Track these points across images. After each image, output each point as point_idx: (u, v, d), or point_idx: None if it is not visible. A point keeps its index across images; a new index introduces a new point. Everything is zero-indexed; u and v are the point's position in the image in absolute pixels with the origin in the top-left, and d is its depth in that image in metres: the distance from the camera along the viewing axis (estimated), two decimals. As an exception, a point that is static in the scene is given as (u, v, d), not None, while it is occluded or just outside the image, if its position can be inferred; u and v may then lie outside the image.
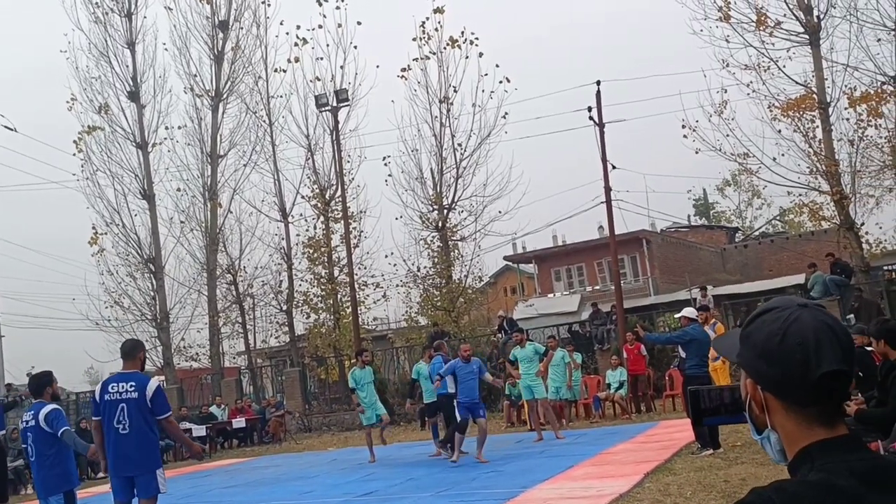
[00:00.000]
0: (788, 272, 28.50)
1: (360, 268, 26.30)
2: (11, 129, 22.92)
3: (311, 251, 27.33)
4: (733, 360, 1.34)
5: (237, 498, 11.02)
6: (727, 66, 20.17)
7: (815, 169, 19.88)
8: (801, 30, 19.94)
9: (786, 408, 1.25)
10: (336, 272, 27.06)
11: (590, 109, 22.37)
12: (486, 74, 25.69)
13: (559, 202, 77.51)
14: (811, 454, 1.22)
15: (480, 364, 12.13)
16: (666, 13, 72.96)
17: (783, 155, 20.06)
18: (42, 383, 6.92)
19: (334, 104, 25.15)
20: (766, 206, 50.07)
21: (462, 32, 25.84)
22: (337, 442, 19.20)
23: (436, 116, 26.13)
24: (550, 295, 34.19)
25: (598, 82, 22.23)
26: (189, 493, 11.71)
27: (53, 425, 6.59)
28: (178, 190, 28.13)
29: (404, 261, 26.18)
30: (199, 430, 19.53)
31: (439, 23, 25.93)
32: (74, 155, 27.19)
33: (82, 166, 27.04)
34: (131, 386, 6.19)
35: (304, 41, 27.07)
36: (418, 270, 26.19)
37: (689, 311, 10.92)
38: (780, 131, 20.02)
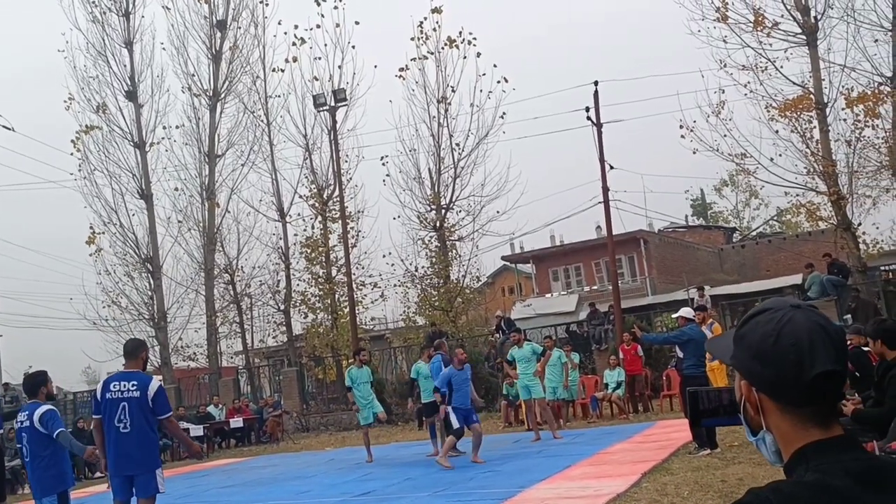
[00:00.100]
0: (786, 272, 28.55)
1: (357, 268, 26.33)
2: (9, 129, 22.89)
3: (308, 251, 27.33)
4: (727, 362, 1.34)
5: (235, 498, 11.02)
6: (725, 66, 20.22)
7: (812, 169, 19.91)
8: (799, 30, 19.97)
9: (780, 409, 1.26)
10: (334, 272, 27.07)
11: (587, 109, 22.39)
12: (484, 74, 25.76)
13: (557, 202, 77.62)
14: (806, 455, 1.22)
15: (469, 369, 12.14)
16: (664, 13, 73.12)
17: (780, 155, 20.12)
18: (37, 383, 6.88)
19: (332, 104, 25.14)
20: (763, 206, 50.23)
21: (460, 32, 25.89)
22: (334, 442, 19.20)
23: (434, 116, 26.17)
24: (548, 295, 34.20)
25: (596, 82, 22.26)
26: (186, 492, 11.70)
27: (48, 426, 6.57)
28: (176, 189, 28.16)
29: (402, 261, 26.23)
30: (197, 430, 19.52)
31: (437, 23, 25.98)
32: (72, 154, 27.21)
33: (80, 166, 27.06)
34: (133, 385, 6.19)
35: (302, 41, 27.10)
36: (416, 270, 26.22)
37: (686, 311, 10.93)
38: (777, 132, 20.08)
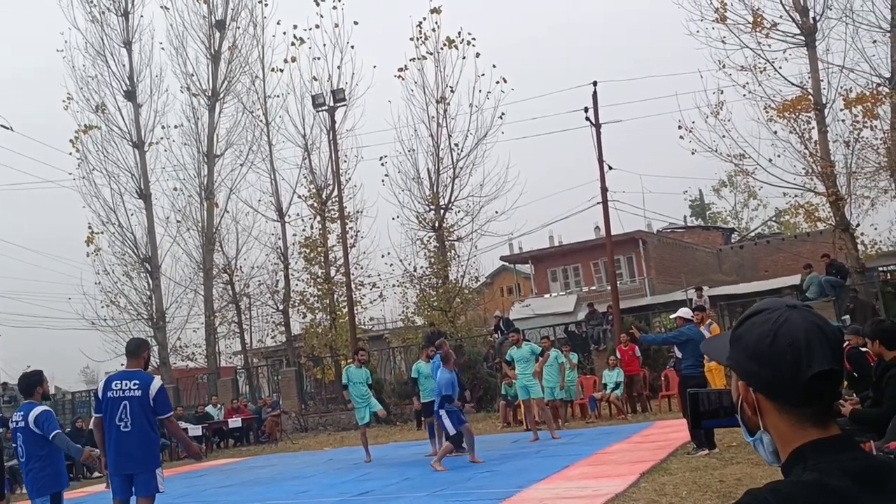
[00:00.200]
0: (784, 273, 28.58)
1: (356, 268, 26.32)
2: (8, 129, 22.87)
3: (307, 251, 27.33)
4: (724, 362, 1.35)
5: (233, 497, 11.01)
6: (723, 67, 20.24)
7: (810, 170, 19.93)
8: (797, 31, 19.99)
9: (778, 409, 1.26)
10: (332, 272, 27.06)
11: (586, 110, 22.41)
12: (483, 75, 25.76)
13: (556, 202, 77.60)
14: (804, 454, 1.23)
15: None
16: (663, 14, 73.22)
17: (779, 156, 20.14)
18: (32, 383, 6.83)
19: (331, 104, 25.16)
20: (761, 207, 50.28)
21: (459, 33, 25.90)
22: (333, 442, 19.20)
23: (432, 116, 26.17)
24: (547, 295, 34.21)
25: (595, 83, 22.28)
26: (185, 492, 11.70)
27: (44, 428, 6.53)
28: (175, 189, 28.14)
29: (401, 261, 26.23)
30: (196, 430, 19.52)
31: (436, 23, 25.99)
32: (71, 154, 27.19)
33: (78, 165, 27.05)
34: (135, 384, 6.19)
35: (301, 41, 27.09)
36: (415, 270, 26.22)
37: (684, 312, 10.93)
38: (776, 132, 20.09)
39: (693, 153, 20.76)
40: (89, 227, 26.86)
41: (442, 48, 25.95)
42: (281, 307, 28.21)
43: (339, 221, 25.62)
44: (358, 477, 11.46)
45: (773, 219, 47.95)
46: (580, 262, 34.90)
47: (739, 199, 53.29)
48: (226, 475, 14.13)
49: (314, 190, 27.55)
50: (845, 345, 7.63)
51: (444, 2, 25.64)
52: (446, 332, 22.19)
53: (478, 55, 25.57)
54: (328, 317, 27.01)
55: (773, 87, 20.08)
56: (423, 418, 14.56)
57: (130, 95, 27.63)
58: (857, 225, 20.20)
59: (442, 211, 26.01)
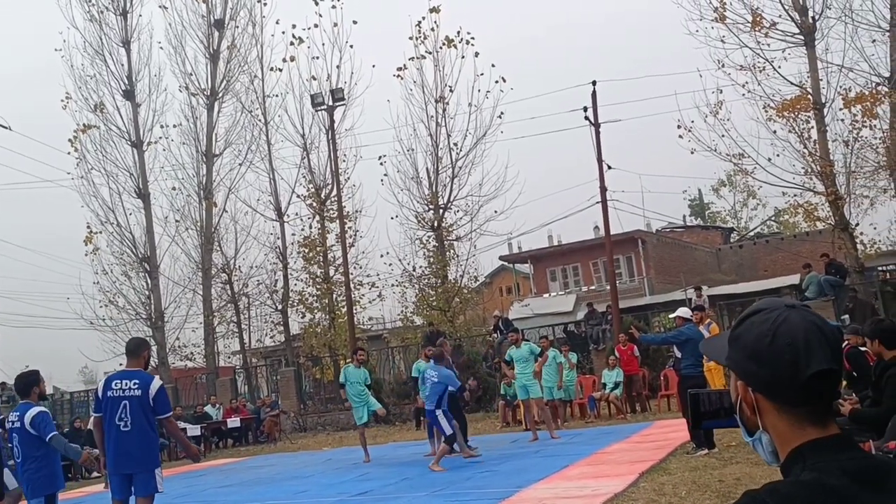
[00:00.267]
0: (783, 272, 28.60)
1: (355, 267, 26.30)
2: (6, 128, 22.85)
3: (306, 250, 27.32)
4: (722, 362, 1.34)
5: (232, 497, 11.00)
6: (723, 66, 20.24)
7: (809, 170, 19.93)
8: (797, 31, 19.98)
9: (777, 408, 1.26)
10: (331, 272, 27.05)
11: (585, 109, 22.41)
12: (482, 74, 25.76)
13: (555, 202, 77.68)
14: (803, 454, 1.22)
15: None
16: (663, 14, 73.26)
17: (778, 155, 20.13)
18: (29, 383, 6.77)
19: (330, 103, 25.15)
20: (761, 206, 50.31)
21: (458, 32, 25.90)
22: (332, 442, 19.19)
23: (432, 116, 26.17)
24: (546, 295, 34.22)
25: (594, 83, 22.30)
26: (184, 492, 11.69)
27: (40, 430, 6.49)
28: (174, 189, 28.14)
29: (400, 260, 26.23)
30: (194, 430, 19.51)
31: (435, 22, 25.99)
32: (69, 154, 27.17)
33: (77, 165, 27.04)
34: (135, 384, 6.18)
35: (300, 40, 27.08)
36: (414, 270, 26.21)
37: (683, 311, 10.92)
38: (775, 132, 20.09)
39: (692, 153, 20.77)
40: (88, 227, 26.89)
41: (441, 48, 25.98)
42: (280, 307, 28.20)
43: (337, 221, 25.60)
44: (357, 477, 11.45)
45: (773, 218, 48.00)
46: (579, 262, 34.90)
47: (738, 198, 53.38)
48: (225, 475, 14.12)
49: (313, 189, 27.55)
50: (844, 344, 7.62)
51: (443, 1, 25.67)
52: (445, 331, 22.20)
53: (477, 55, 25.60)
54: (327, 316, 27.00)
55: (773, 87, 20.11)
56: (422, 417, 14.54)
57: (129, 95, 27.62)
58: (857, 224, 20.22)
59: (441, 210, 26.01)
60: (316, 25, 26.90)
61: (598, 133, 22.29)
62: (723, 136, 20.24)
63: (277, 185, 28.49)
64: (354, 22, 26.97)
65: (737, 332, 1.31)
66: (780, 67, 20.09)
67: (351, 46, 27.11)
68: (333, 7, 26.66)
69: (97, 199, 26.88)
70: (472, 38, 25.69)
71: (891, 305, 19.28)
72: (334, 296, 26.84)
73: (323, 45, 27.43)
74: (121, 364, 6.72)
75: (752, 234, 47.17)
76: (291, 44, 27.25)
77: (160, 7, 28.26)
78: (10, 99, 67.02)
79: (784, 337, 1.23)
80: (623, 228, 27.73)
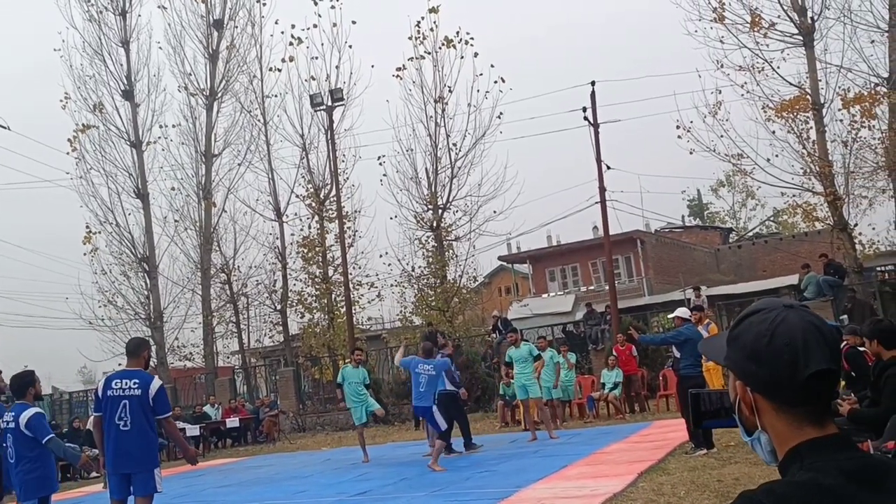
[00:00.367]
0: (782, 273, 28.62)
1: (354, 267, 26.30)
2: (5, 128, 22.83)
3: (305, 251, 27.31)
4: (721, 362, 1.34)
5: (231, 497, 11.00)
6: (722, 67, 20.25)
7: (808, 170, 19.94)
8: (795, 31, 19.99)
9: (775, 408, 1.26)
10: (331, 272, 27.04)
11: (585, 110, 22.43)
12: (481, 74, 25.77)
13: (554, 202, 77.69)
14: (801, 454, 1.23)
15: None
16: (662, 14, 73.30)
17: (777, 156, 20.14)
18: (24, 384, 6.69)
19: (329, 103, 25.15)
20: (759, 206, 50.34)
21: (457, 32, 25.89)
22: (331, 442, 19.19)
23: (431, 116, 26.16)
24: (545, 295, 34.23)
25: (593, 83, 22.32)
26: (183, 492, 11.68)
27: (36, 432, 6.43)
28: (173, 189, 28.11)
29: (399, 260, 26.22)
30: (193, 430, 19.49)
31: (434, 22, 25.98)
32: (68, 154, 27.14)
33: (76, 165, 27.01)
34: (135, 383, 6.18)
35: (299, 40, 27.07)
36: (413, 270, 26.20)
37: (682, 312, 10.92)
38: (773, 132, 20.09)
39: (691, 153, 20.78)
40: (87, 227, 26.86)
41: (440, 48, 25.97)
42: (279, 307, 28.19)
43: (337, 221, 25.60)
44: (356, 477, 11.45)
45: (771, 218, 48.03)
46: (578, 262, 34.91)
47: (737, 198, 53.42)
48: (224, 475, 14.12)
49: (312, 189, 27.54)
50: (843, 344, 7.63)
51: (442, 1, 25.64)
52: (445, 331, 22.21)
53: (476, 55, 25.60)
54: (326, 316, 26.99)
55: (772, 87, 20.12)
56: (421, 417, 14.53)
57: (128, 95, 27.61)
58: (855, 225, 20.23)
59: (440, 210, 26.00)
60: (315, 26, 26.93)
61: (597, 133, 22.31)
62: (722, 136, 20.28)
63: (276, 186, 28.51)
64: (353, 22, 26.99)
65: (735, 332, 1.31)
66: (778, 68, 20.14)
67: (350, 47, 27.17)
68: (332, 7, 26.72)
69: (96, 199, 26.89)
70: (472, 39, 25.72)
71: (889, 305, 19.30)
72: (333, 296, 26.84)
73: (322, 45, 27.60)
74: (120, 364, 6.71)
75: (750, 234, 47.21)
76: (290, 44, 27.26)
77: (159, 7, 28.28)
78: (10, 99, 67.06)
79: (783, 337, 1.23)
80: (622, 229, 27.79)
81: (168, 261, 28.03)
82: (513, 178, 37.18)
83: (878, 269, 24.77)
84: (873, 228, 22.90)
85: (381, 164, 26.43)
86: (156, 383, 6.30)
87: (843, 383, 7.40)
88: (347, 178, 26.99)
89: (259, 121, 28.52)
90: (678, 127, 20.63)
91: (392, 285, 26.88)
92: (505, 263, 38.72)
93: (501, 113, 25.77)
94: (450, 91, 26.00)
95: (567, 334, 22.91)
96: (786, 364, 1.22)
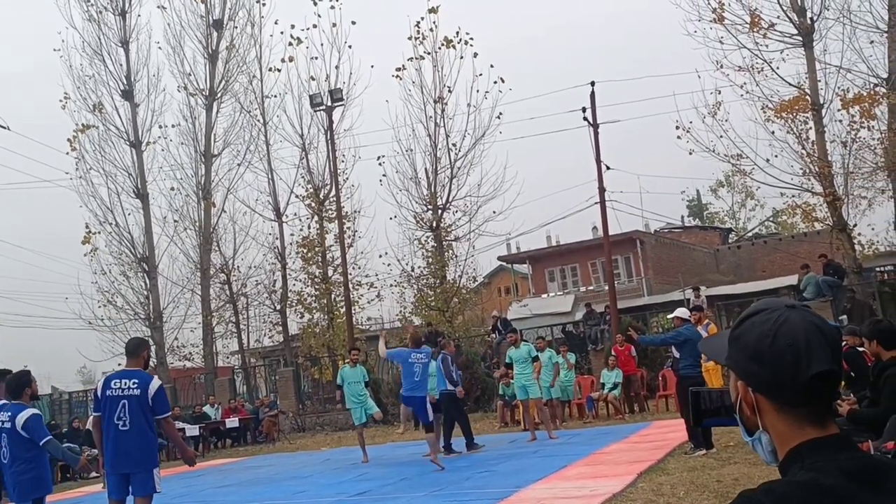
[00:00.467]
0: (781, 273, 28.61)
1: (354, 267, 26.31)
2: (5, 128, 22.83)
3: (305, 251, 27.31)
4: (722, 362, 1.34)
5: (230, 497, 11.00)
6: (721, 67, 20.25)
7: (808, 170, 19.94)
8: (795, 31, 20.00)
9: (777, 409, 1.26)
10: (330, 272, 27.05)
11: (584, 110, 22.43)
12: (481, 75, 25.82)
13: (553, 202, 77.69)
14: (801, 453, 1.23)
15: None
16: (662, 14, 73.35)
17: (776, 156, 20.14)
18: (21, 384, 6.59)
19: (329, 104, 25.16)
20: (759, 207, 50.33)
21: (457, 32, 25.93)
22: (330, 442, 19.19)
23: (430, 116, 26.19)
24: (544, 295, 34.23)
25: (593, 83, 22.33)
26: (182, 492, 11.69)
27: (33, 433, 6.35)
28: (172, 189, 28.12)
29: (398, 261, 26.24)
30: (193, 430, 19.48)
31: (434, 23, 26.00)
32: (68, 154, 27.14)
33: (76, 165, 27.02)
34: (134, 383, 6.18)
35: (299, 40, 27.09)
36: (412, 270, 26.22)
37: (681, 312, 10.92)
38: (773, 133, 20.09)
39: (690, 153, 20.78)
40: (86, 227, 26.87)
41: (440, 48, 25.99)
42: (278, 307, 28.19)
43: (336, 221, 25.60)
44: (355, 477, 11.46)
45: (771, 219, 48.03)
46: (578, 262, 34.90)
47: (737, 199, 53.42)
48: (223, 475, 14.12)
49: (312, 190, 27.54)
50: (842, 345, 7.62)
51: (442, 1, 25.68)
52: (444, 332, 22.20)
53: (475, 55, 25.63)
54: (326, 317, 26.99)
55: (771, 88, 20.12)
56: (410, 408, 14.50)
57: (127, 95, 27.61)
58: (855, 225, 20.23)
59: (440, 211, 26.01)
60: (315, 26, 26.94)
61: (596, 133, 22.32)
62: (721, 136, 20.28)
63: (276, 186, 28.52)
64: (353, 22, 27.04)
65: (737, 332, 1.31)
66: (778, 68, 20.14)
67: (350, 47, 27.17)
68: (332, 7, 26.73)
69: (96, 199, 26.90)
70: (471, 39, 25.75)
71: (888, 306, 19.31)
72: (333, 296, 26.84)
73: (322, 45, 27.60)
74: (119, 364, 6.69)
75: (750, 234, 47.21)
76: (290, 44, 27.27)
77: (159, 7, 28.30)
78: (9, 99, 67.05)
79: (785, 337, 1.23)
80: (621, 229, 27.79)
81: (168, 261, 28.09)
82: (512, 178, 37.27)
83: (878, 269, 24.77)
84: (872, 229, 22.94)
85: (380, 164, 26.48)
86: (155, 383, 6.29)
87: (842, 384, 7.40)
88: (347, 179, 27.04)
89: (259, 121, 28.57)
90: (678, 127, 20.65)
91: (391, 285, 26.94)
92: (504, 264, 38.71)
93: (501, 113, 25.85)
94: (449, 91, 26.05)
95: (566, 334, 22.91)
96: (788, 365, 1.22)
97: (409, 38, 26.16)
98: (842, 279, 18.96)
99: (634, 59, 66.43)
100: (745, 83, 20.16)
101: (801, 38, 19.94)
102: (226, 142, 28.63)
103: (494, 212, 26.11)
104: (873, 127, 19.67)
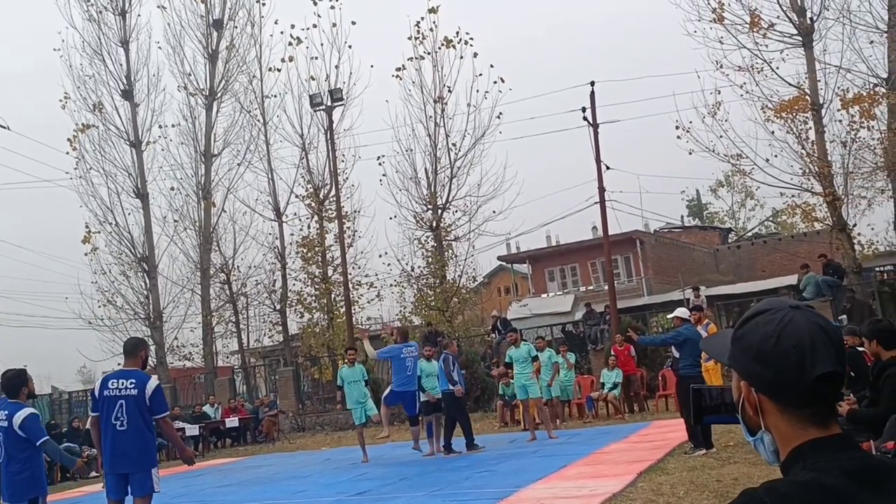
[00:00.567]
0: (781, 273, 28.62)
1: (353, 267, 26.32)
2: (5, 128, 22.83)
3: (304, 250, 27.31)
4: (725, 362, 1.34)
5: (230, 497, 11.00)
6: (721, 67, 20.25)
7: (807, 170, 19.94)
8: (795, 31, 20.00)
9: (780, 409, 1.26)
10: (330, 272, 27.05)
11: (584, 110, 22.44)
12: (481, 74, 25.81)
13: (553, 202, 77.75)
14: (803, 453, 1.23)
15: None
16: (662, 14, 73.38)
17: (776, 156, 20.14)
18: (17, 383, 6.54)
19: (329, 103, 25.16)
20: (758, 207, 50.34)
21: (457, 32, 25.93)
22: (330, 441, 19.19)
23: (430, 116, 26.19)
24: (544, 295, 34.24)
25: (593, 83, 22.33)
26: (182, 492, 11.69)
27: (30, 433, 6.32)
28: (172, 189, 28.12)
29: (398, 260, 26.24)
30: (193, 430, 19.47)
31: (434, 22, 26.01)
32: (68, 153, 27.15)
33: (76, 165, 27.02)
34: (131, 383, 6.18)
35: (299, 40, 27.08)
36: (412, 270, 26.22)
37: (681, 312, 10.93)
38: (773, 133, 20.09)
39: (690, 153, 20.77)
40: (86, 227, 26.88)
41: (440, 48, 25.99)
42: (278, 307, 28.19)
43: (336, 221, 25.61)
44: (355, 476, 11.46)
45: (770, 219, 48.04)
46: (577, 262, 34.90)
47: (736, 199, 53.44)
48: (223, 475, 14.12)
49: (311, 189, 27.53)
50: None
51: (442, 1, 25.68)
52: (444, 331, 22.22)
53: (475, 55, 25.63)
54: (325, 316, 26.99)
55: (771, 88, 20.12)
56: (420, 417, 14.52)
57: (127, 94, 27.61)
58: (854, 225, 20.23)
59: (439, 210, 26.01)
60: (315, 26, 26.93)
61: (596, 133, 22.33)
62: (721, 136, 20.27)
63: (276, 185, 28.52)
64: (353, 22, 27.01)
65: (740, 332, 1.30)
66: (778, 68, 20.14)
67: (350, 47, 27.15)
68: (332, 7, 26.71)
69: (96, 198, 26.90)
70: (471, 39, 25.76)
71: (888, 306, 19.31)
72: (333, 296, 26.84)
73: (322, 45, 27.58)
74: (119, 364, 6.69)
75: (749, 234, 47.21)
76: (290, 44, 27.26)
77: (159, 7, 28.30)
78: (9, 98, 67.04)
79: (789, 338, 1.23)
80: (621, 229, 27.81)
81: (167, 261, 28.09)
82: (512, 178, 37.24)
83: (877, 269, 24.77)
84: (872, 229, 22.92)
85: (380, 164, 26.48)
86: (152, 383, 6.29)
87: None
88: (347, 178, 27.04)
89: (259, 121, 28.57)
90: (677, 127, 20.65)
91: (391, 285, 26.95)
92: (504, 263, 38.71)
93: (501, 113, 25.86)
94: (449, 91, 26.06)
95: (566, 334, 22.91)
96: (792, 366, 1.21)
97: (409, 38, 26.19)
98: (841, 279, 18.97)
99: (634, 59, 66.51)
100: (744, 83, 20.19)
101: (800, 38, 19.94)
102: (226, 142, 28.67)
103: (494, 211, 26.15)
104: (873, 127, 19.69)
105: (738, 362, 1.30)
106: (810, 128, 19.96)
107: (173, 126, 28.18)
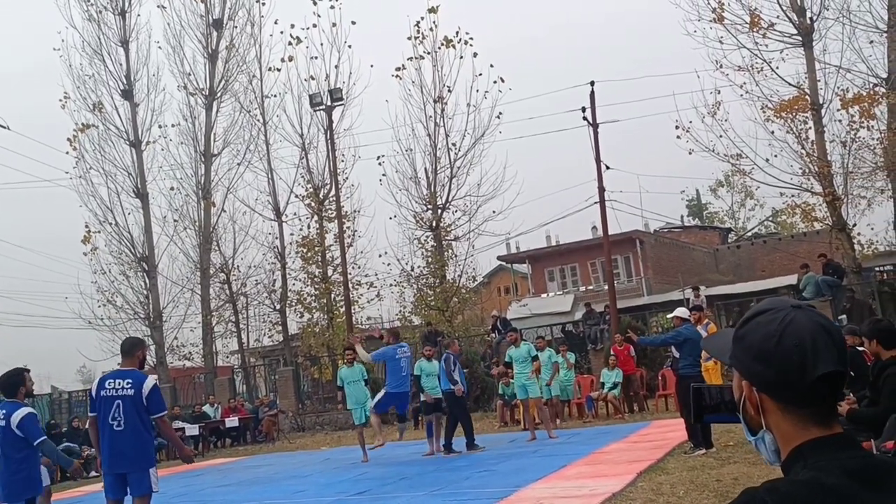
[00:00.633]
0: (781, 273, 28.62)
1: (353, 267, 26.33)
2: (5, 128, 22.82)
3: (304, 250, 27.31)
4: (726, 361, 1.34)
5: (230, 497, 11.00)
6: (720, 67, 20.25)
7: (807, 170, 19.95)
8: (794, 31, 20.00)
9: (782, 408, 1.26)
10: (330, 271, 27.05)
11: (584, 110, 22.44)
12: (481, 74, 25.81)
13: (553, 202, 77.80)
14: (804, 453, 1.23)
15: None
16: (662, 14, 73.40)
17: (776, 156, 20.15)
18: (15, 383, 6.52)
19: (328, 103, 25.16)
20: (758, 207, 50.35)
21: (457, 32, 25.93)
22: (330, 441, 19.19)
23: (430, 116, 26.19)
24: (544, 295, 34.25)
25: (592, 83, 22.35)
26: (182, 492, 11.69)
27: (27, 433, 6.32)
28: (172, 189, 28.11)
29: (398, 260, 26.25)
30: (192, 430, 19.47)
31: (434, 22, 26.01)
32: (68, 153, 27.15)
33: (76, 164, 27.01)
34: (128, 383, 6.18)
35: (299, 40, 27.07)
36: (412, 270, 26.23)
37: (681, 312, 10.93)
38: (772, 132, 20.10)
39: (690, 153, 20.77)
40: (86, 227, 26.87)
41: (440, 48, 25.99)
42: (278, 307, 28.19)
43: (336, 221, 25.61)
44: (355, 476, 11.46)
45: (770, 219, 48.05)
46: (577, 262, 34.91)
47: (736, 198, 53.45)
48: (223, 475, 14.12)
49: (311, 189, 27.53)
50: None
51: (442, 1, 25.69)
52: (443, 331, 22.22)
53: (475, 55, 25.64)
54: (325, 316, 26.99)
55: (770, 88, 20.12)
56: (420, 417, 14.56)
57: (127, 94, 27.60)
58: (854, 225, 20.24)
59: (439, 210, 26.02)
60: (314, 25, 26.92)
61: (596, 133, 22.34)
62: (721, 136, 20.27)
63: (276, 185, 28.51)
64: (353, 22, 27.01)
65: (742, 331, 1.30)
66: (777, 68, 20.14)
67: (349, 47, 27.16)
68: (332, 7, 26.70)
69: (95, 198, 26.90)
70: (471, 39, 25.77)
71: (888, 305, 19.31)
72: (332, 295, 26.84)
73: (321, 45, 27.56)
74: (118, 364, 6.68)
75: (749, 234, 47.23)
76: (290, 44, 27.26)
77: (158, 7, 28.29)
78: (9, 98, 67.02)
79: (791, 338, 1.23)
80: (621, 228, 27.82)
81: (167, 260, 28.08)
82: (512, 177, 37.22)
83: (877, 269, 24.78)
84: (872, 228, 22.94)
85: (380, 163, 26.49)
86: (149, 383, 6.29)
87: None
88: (347, 178, 27.04)
89: (258, 120, 28.55)
90: (677, 127, 20.65)
91: (391, 285, 26.96)
92: (504, 263, 38.72)
93: (501, 113, 25.86)
94: (449, 91, 26.07)
95: (566, 334, 22.92)
96: (794, 365, 1.21)
97: (409, 38, 26.19)
98: (841, 279, 18.97)
99: (634, 59, 66.53)
100: (744, 83, 20.19)
101: (800, 38, 19.94)
102: (225, 141, 28.66)
103: (494, 211, 26.16)
104: (873, 127, 19.69)
105: (739, 362, 1.30)
106: (810, 128, 19.97)
107: (173, 126, 28.22)
